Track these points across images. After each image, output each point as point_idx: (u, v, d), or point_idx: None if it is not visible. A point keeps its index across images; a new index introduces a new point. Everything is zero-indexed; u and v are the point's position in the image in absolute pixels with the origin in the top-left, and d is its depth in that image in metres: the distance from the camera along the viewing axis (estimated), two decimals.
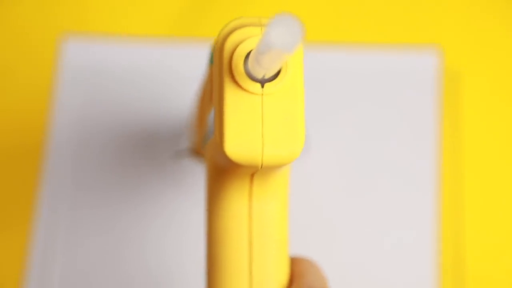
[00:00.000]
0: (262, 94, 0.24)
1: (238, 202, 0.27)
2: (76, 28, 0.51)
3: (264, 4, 0.52)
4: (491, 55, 0.50)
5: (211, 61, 0.27)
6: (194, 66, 0.50)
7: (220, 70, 0.24)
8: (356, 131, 0.48)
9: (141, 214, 0.47)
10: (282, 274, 0.28)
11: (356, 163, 0.47)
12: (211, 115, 0.27)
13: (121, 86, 0.49)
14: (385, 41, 0.50)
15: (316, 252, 0.45)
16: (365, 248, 0.46)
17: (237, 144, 0.24)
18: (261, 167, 0.24)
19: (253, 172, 0.26)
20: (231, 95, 0.24)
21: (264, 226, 0.27)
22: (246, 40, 0.24)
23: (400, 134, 0.48)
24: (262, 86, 0.24)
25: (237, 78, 0.24)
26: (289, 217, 0.29)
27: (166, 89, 0.49)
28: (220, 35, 0.25)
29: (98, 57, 0.50)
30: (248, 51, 0.24)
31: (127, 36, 0.50)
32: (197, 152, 0.41)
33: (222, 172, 0.27)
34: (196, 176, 0.47)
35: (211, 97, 0.27)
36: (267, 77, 0.24)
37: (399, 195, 0.47)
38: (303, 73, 0.25)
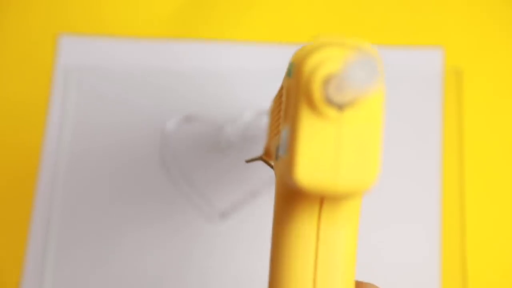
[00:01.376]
0: (340, 120, 0.23)
1: (306, 225, 0.26)
2: (73, 28, 0.50)
3: (264, 5, 0.52)
4: (493, 57, 0.50)
5: (289, 74, 0.26)
6: (191, 66, 0.50)
7: (297, 90, 0.23)
8: None
9: (138, 223, 0.46)
10: None
11: None
12: (285, 130, 0.26)
13: (117, 85, 0.49)
14: (389, 42, 0.50)
15: None
16: (367, 249, 0.46)
17: (309, 172, 0.23)
18: (333, 196, 0.24)
19: (326, 198, 0.25)
20: (306, 118, 0.23)
21: (331, 252, 0.27)
22: (327, 62, 0.23)
23: (403, 134, 0.48)
24: (340, 111, 0.23)
25: (315, 101, 0.23)
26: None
27: (163, 89, 0.49)
28: (301, 53, 0.24)
29: (94, 57, 0.49)
30: (328, 73, 0.23)
31: (123, 37, 0.50)
32: (268, 158, 0.40)
33: (292, 192, 0.26)
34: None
35: (286, 112, 0.26)
36: (346, 102, 0.23)
37: (401, 193, 0.47)
38: (384, 100, 0.24)
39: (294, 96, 0.24)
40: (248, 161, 0.41)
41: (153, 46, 0.50)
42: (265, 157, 0.39)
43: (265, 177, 0.47)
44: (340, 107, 0.23)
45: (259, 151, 0.47)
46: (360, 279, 0.45)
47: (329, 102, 0.23)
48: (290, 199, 0.26)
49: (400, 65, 0.49)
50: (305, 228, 0.26)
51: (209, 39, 0.50)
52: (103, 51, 0.50)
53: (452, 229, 0.46)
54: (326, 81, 0.23)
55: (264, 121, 0.48)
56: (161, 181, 0.47)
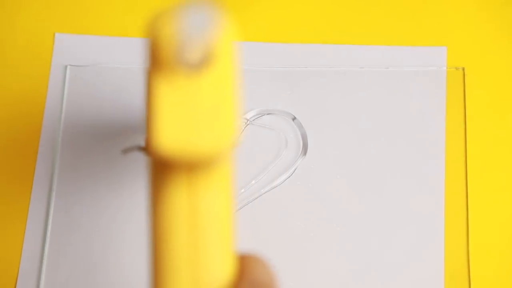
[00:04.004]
0: (192, 81, 0.23)
1: (176, 196, 0.26)
2: (70, 27, 0.51)
3: (264, 5, 0.51)
4: (494, 56, 0.50)
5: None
6: None
7: (148, 57, 0.24)
8: (359, 133, 0.48)
9: (137, 223, 0.46)
10: (226, 269, 0.27)
11: (362, 161, 0.47)
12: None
13: (116, 84, 0.49)
14: (392, 43, 0.50)
15: (320, 254, 0.45)
16: (369, 251, 0.46)
17: (167, 137, 0.23)
18: (194, 158, 0.23)
19: (190, 165, 0.25)
20: (159, 83, 0.23)
21: (205, 222, 0.26)
22: (170, 24, 0.23)
23: (406, 133, 0.48)
24: (192, 72, 0.23)
25: (165, 62, 0.23)
26: (234, 211, 0.28)
27: None
28: (149, 23, 0.24)
29: (91, 55, 0.50)
30: (171, 32, 0.23)
31: (121, 36, 0.51)
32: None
33: (160, 165, 0.26)
34: None
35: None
36: (194, 64, 0.23)
37: (404, 191, 0.46)
38: (235, 60, 0.24)
39: (147, 66, 0.24)
40: (124, 151, 0.41)
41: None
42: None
43: (265, 178, 0.47)
44: (191, 68, 0.23)
45: (259, 149, 0.47)
46: (363, 279, 0.45)
47: (180, 63, 0.23)
48: (160, 173, 0.26)
49: (404, 64, 0.49)
50: (176, 200, 0.26)
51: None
52: (100, 50, 0.50)
53: (454, 229, 0.46)
54: (173, 42, 0.23)
55: (265, 121, 0.48)
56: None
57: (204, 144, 0.23)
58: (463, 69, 0.49)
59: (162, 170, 0.26)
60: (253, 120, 0.48)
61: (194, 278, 0.26)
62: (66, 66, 0.50)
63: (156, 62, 0.23)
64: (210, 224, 0.26)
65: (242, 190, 0.46)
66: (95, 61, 0.50)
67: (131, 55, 0.50)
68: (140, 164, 0.48)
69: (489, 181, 0.47)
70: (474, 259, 0.45)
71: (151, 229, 0.27)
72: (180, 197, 0.26)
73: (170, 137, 0.23)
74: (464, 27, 0.51)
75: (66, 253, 0.46)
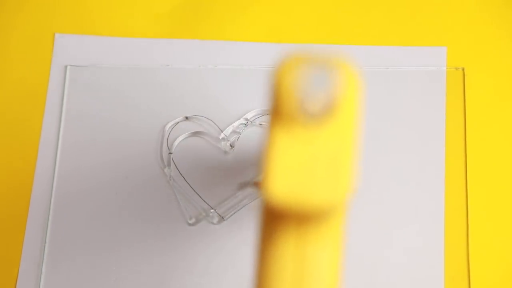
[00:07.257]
0: (313, 134, 0.23)
1: (283, 247, 0.25)
2: (71, 27, 0.51)
3: (263, 5, 0.51)
4: (493, 56, 0.50)
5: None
6: (189, 64, 0.50)
7: (272, 106, 0.24)
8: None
9: (136, 223, 0.46)
10: None
11: (362, 161, 0.47)
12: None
13: (116, 84, 0.49)
14: (394, 44, 0.50)
15: None
16: (369, 251, 0.45)
17: (282, 187, 0.23)
18: (303, 211, 0.23)
19: (301, 216, 0.25)
20: (279, 132, 0.23)
21: (311, 275, 0.26)
22: (295, 76, 0.23)
23: (406, 135, 0.48)
24: (313, 125, 0.23)
25: (287, 113, 0.23)
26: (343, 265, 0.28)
27: (161, 87, 0.49)
28: (274, 72, 0.24)
29: (91, 56, 0.50)
30: (295, 86, 0.23)
31: (120, 37, 0.51)
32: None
33: (271, 213, 0.25)
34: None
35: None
36: (315, 115, 0.23)
37: (405, 191, 0.46)
38: (357, 113, 0.24)
39: (270, 113, 0.24)
40: (240, 186, 0.42)
41: (150, 44, 0.50)
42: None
43: None
44: (312, 119, 0.23)
45: (259, 149, 0.47)
46: (363, 278, 0.45)
47: (301, 113, 0.23)
48: (269, 220, 0.26)
49: (404, 64, 0.49)
50: (283, 250, 0.26)
51: (205, 40, 0.50)
52: (100, 50, 0.50)
53: (454, 229, 0.46)
54: (295, 92, 0.23)
55: (265, 121, 0.48)
56: (160, 181, 0.47)
57: (318, 197, 0.23)
58: (463, 69, 0.49)
59: (272, 218, 0.25)
60: (253, 120, 0.48)
61: None
62: (66, 66, 0.50)
63: (277, 110, 0.23)
64: (316, 278, 0.26)
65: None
66: (95, 61, 0.50)
67: (131, 55, 0.50)
68: (140, 164, 0.48)
69: (489, 181, 0.47)
70: (474, 259, 0.45)
71: (255, 276, 0.27)
72: (288, 248, 0.25)
73: (284, 186, 0.23)
74: (464, 27, 0.51)
75: (66, 253, 0.46)
